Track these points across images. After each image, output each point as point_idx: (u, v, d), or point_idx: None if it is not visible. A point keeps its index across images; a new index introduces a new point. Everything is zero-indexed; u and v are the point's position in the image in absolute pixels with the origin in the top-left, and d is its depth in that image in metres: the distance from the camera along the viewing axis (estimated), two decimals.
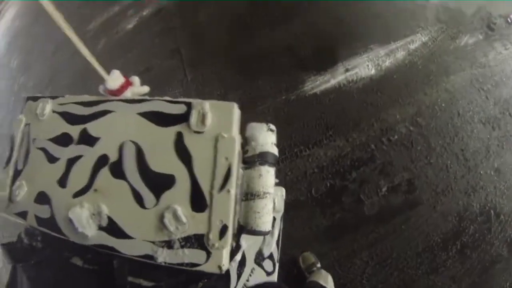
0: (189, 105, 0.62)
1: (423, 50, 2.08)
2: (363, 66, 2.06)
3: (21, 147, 0.77)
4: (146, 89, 0.96)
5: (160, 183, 0.59)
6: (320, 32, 2.31)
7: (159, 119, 0.63)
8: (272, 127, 0.66)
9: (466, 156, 1.79)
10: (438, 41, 2.11)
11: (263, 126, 0.65)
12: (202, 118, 0.60)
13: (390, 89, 1.98)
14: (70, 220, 0.62)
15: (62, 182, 0.67)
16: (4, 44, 4.47)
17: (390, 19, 2.26)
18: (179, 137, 0.61)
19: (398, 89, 1.97)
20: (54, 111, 0.76)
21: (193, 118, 0.60)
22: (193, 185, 0.58)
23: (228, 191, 0.56)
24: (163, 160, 0.60)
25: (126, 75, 0.97)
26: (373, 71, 2.04)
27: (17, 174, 0.75)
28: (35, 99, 0.81)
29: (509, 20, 2.15)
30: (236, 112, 0.61)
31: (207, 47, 2.56)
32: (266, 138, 0.63)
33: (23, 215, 0.71)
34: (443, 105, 1.92)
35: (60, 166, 0.69)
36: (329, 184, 1.82)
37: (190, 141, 0.60)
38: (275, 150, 0.64)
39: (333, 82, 2.06)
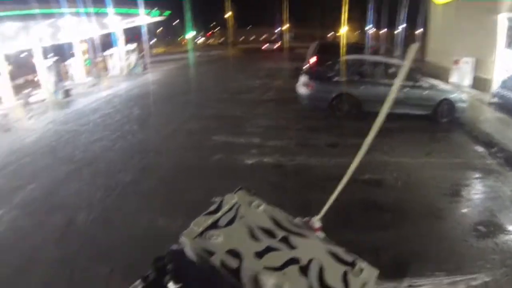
0: (355, 260, 1.02)
1: None
2: None
3: (227, 213, 1.14)
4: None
5: None
6: (406, 244, 2.94)
7: (337, 258, 1.04)
8: None
9: None
10: (499, 284, 2.50)
11: None
12: (360, 271, 0.98)
13: None
14: (256, 280, 0.92)
15: (258, 255, 1.00)
16: None
17: (461, 254, 2.77)
18: (345, 273, 0.98)
19: None
20: (264, 211, 1.17)
21: (356, 269, 0.99)
22: None
23: None
24: (334, 280, 0.96)
25: None
26: None
27: (215, 226, 1.08)
28: (249, 192, 1.22)
29: None
30: (375, 277, 0.99)
31: None
32: None
33: (209, 253, 1.01)
34: None
35: (260, 245, 1.04)
36: None
37: (350, 278, 0.97)
38: None
39: None
